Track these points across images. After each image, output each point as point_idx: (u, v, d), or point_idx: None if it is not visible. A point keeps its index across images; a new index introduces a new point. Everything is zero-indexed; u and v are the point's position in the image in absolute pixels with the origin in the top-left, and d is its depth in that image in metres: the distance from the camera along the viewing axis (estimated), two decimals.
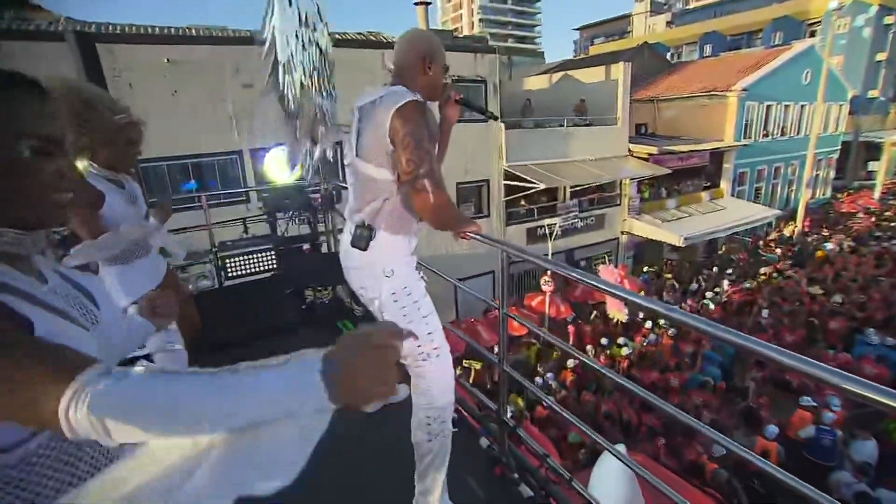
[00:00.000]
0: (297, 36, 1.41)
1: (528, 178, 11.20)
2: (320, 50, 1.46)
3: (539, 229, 12.04)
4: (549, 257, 6.35)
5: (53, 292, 0.76)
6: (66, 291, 0.79)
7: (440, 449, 1.66)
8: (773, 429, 5.51)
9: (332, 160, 2.91)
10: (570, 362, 7.37)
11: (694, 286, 11.76)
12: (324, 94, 1.61)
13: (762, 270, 12.72)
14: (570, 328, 9.13)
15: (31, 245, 0.73)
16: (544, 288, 9.31)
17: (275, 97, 1.59)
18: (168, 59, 7.53)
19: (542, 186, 11.10)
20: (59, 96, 1.50)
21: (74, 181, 0.76)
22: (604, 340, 8.48)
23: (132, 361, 1.51)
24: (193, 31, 10.00)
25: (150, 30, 9.50)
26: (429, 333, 1.59)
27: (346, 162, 1.63)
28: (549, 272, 9.36)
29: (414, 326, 1.54)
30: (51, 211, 0.73)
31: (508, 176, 11.58)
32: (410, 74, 1.57)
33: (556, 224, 11.67)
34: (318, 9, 1.43)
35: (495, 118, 2.08)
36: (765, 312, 9.43)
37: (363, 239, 1.53)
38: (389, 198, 1.52)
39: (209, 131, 8.42)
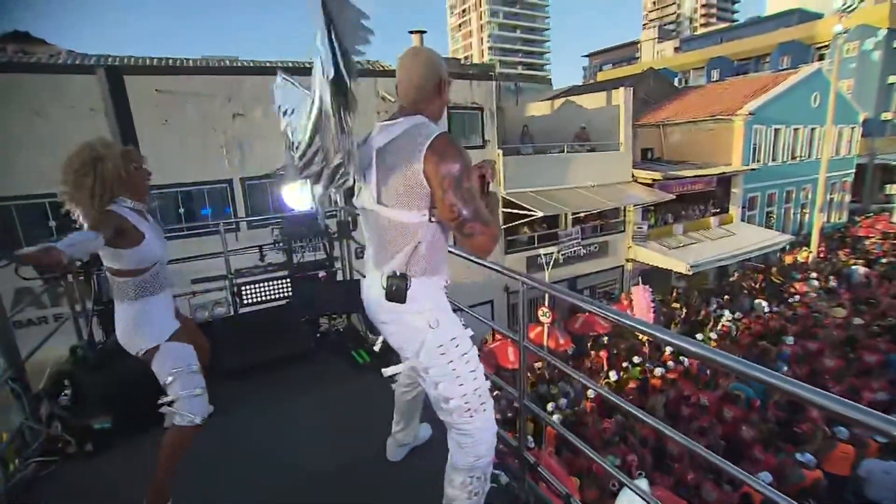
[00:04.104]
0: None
1: (527, 206, 10.98)
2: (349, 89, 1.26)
3: (539, 258, 11.73)
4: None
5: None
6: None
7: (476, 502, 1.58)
8: (809, 457, 5.26)
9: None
10: (591, 392, 7.21)
11: (727, 311, 11.40)
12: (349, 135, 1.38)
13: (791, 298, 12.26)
14: (603, 353, 9.05)
15: None
16: (542, 319, 8.95)
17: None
18: (157, 90, 7.52)
19: (539, 214, 10.86)
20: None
21: None
22: (635, 359, 8.49)
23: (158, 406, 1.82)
24: (191, 62, 10.18)
25: (146, 61, 9.66)
26: (476, 389, 1.49)
27: (361, 205, 1.50)
28: (547, 303, 9.05)
29: (461, 382, 1.47)
30: None
31: (507, 204, 11.37)
32: (428, 101, 1.44)
33: (552, 253, 11.37)
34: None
35: None
36: (789, 340, 9.11)
37: (400, 291, 1.40)
38: (422, 240, 1.40)
39: (199, 160, 8.39)
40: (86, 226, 1.74)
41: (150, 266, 1.92)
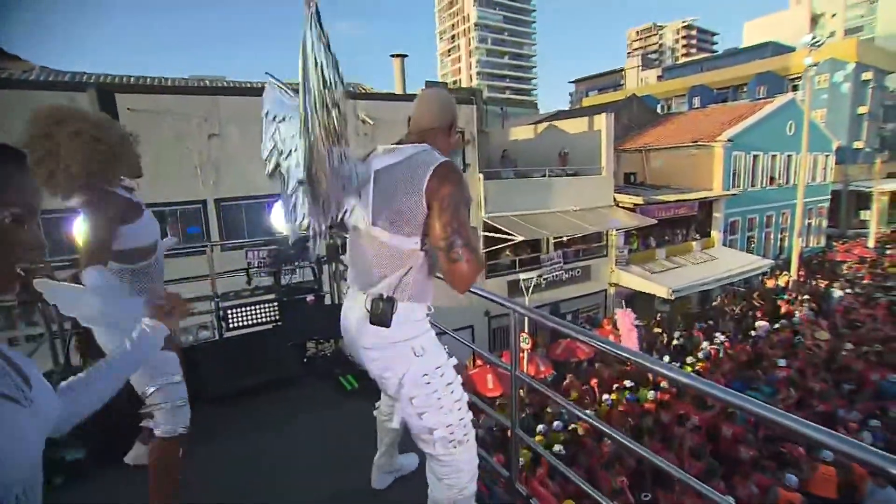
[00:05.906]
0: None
1: (508, 230, 11.21)
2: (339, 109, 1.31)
3: (520, 282, 11.93)
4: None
5: None
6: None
7: None
8: (792, 478, 5.32)
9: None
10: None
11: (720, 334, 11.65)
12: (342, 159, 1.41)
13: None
14: (593, 381, 9.05)
15: None
16: (522, 345, 9.06)
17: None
18: (129, 108, 7.55)
19: (520, 238, 11.10)
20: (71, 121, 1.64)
21: (41, 250, 0.82)
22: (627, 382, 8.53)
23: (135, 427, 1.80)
24: (168, 81, 10.28)
25: (121, 79, 9.74)
26: (461, 420, 1.50)
27: (353, 224, 1.52)
28: (527, 329, 9.19)
29: (445, 412, 1.46)
30: (12, 278, 0.78)
31: (488, 227, 11.60)
32: (437, 138, 1.52)
33: (532, 278, 11.59)
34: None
35: None
36: (782, 362, 9.26)
37: (386, 315, 1.40)
38: (413, 267, 1.42)
39: (172, 180, 8.36)
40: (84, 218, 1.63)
41: (151, 246, 1.87)
